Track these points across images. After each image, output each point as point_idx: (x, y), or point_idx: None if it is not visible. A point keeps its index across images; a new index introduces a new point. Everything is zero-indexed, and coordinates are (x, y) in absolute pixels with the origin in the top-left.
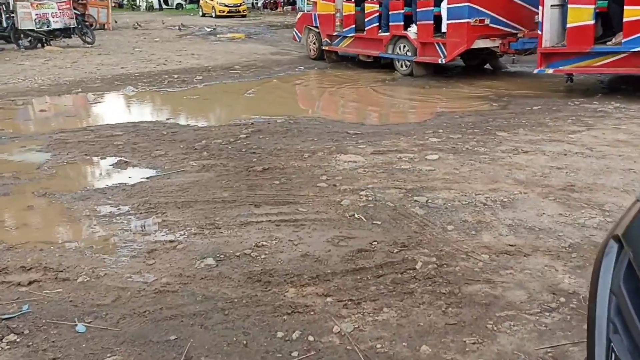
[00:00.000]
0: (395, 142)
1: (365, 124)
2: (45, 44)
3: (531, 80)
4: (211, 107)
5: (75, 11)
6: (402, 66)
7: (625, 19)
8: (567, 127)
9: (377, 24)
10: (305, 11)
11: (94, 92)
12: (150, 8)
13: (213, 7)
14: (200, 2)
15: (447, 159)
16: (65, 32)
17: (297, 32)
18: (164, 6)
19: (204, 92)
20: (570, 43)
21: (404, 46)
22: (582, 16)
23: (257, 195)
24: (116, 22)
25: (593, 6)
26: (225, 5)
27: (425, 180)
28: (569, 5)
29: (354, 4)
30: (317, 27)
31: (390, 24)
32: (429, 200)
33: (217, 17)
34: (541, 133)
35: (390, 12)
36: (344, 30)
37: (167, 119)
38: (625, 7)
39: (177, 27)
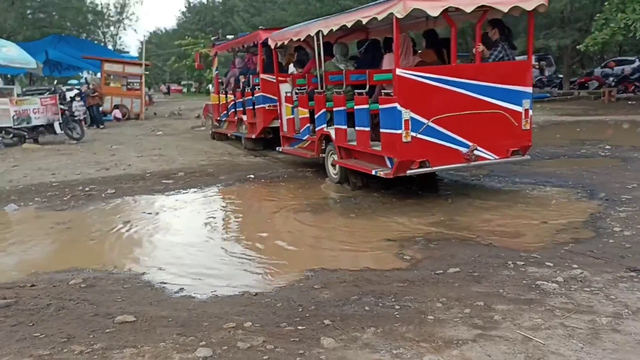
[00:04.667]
0: None
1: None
2: (26, 141)
3: (509, 199)
4: (52, 247)
5: (62, 106)
6: (243, 140)
7: (299, 116)
8: (449, 329)
9: (234, 110)
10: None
11: None
12: (207, 92)
13: None
14: None
15: None
16: (49, 128)
17: (203, 119)
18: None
19: (81, 218)
20: (288, 130)
21: (244, 126)
22: (288, 112)
23: None
24: (155, 114)
25: (291, 105)
26: None
27: None
28: (284, 104)
29: (225, 95)
30: (212, 114)
31: (237, 109)
32: None
33: None
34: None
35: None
36: (222, 115)
37: None
38: (299, 108)
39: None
